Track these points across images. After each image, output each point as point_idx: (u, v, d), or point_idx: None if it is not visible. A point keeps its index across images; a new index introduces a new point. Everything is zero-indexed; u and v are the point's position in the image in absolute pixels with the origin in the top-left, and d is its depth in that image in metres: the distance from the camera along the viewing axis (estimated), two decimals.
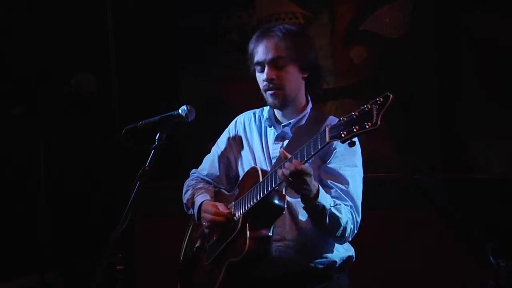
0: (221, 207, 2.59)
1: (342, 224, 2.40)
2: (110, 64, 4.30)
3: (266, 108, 2.70)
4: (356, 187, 2.49)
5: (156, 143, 2.48)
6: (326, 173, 2.49)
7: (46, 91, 2.94)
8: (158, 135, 2.50)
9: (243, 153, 2.71)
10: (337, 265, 2.54)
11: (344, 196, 2.46)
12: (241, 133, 2.76)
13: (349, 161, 2.49)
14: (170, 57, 4.52)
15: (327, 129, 2.20)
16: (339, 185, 2.46)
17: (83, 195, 4.27)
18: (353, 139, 2.14)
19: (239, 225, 2.48)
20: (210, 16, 4.54)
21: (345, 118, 2.15)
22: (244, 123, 2.77)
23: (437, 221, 3.86)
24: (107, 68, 4.28)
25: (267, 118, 2.66)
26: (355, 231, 2.49)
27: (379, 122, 2.03)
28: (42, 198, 3.00)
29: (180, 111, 2.56)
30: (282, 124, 2.62)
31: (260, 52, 2.53)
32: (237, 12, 4.49)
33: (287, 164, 2.30)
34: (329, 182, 2.48)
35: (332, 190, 2.47)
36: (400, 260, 3.87)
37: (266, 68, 2.52)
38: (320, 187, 2.37)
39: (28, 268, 3.65)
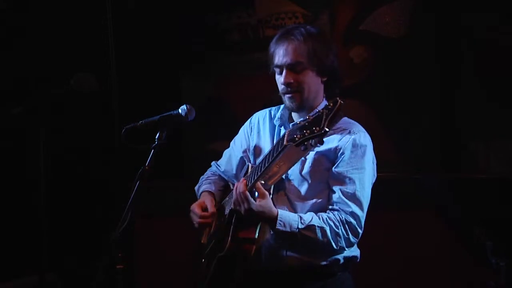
0: (209, 205, 2.67)
1: (320, 242, 2.40)
2: (110, 64, 4.30)
3: (282, 106, 2.69)
4: (364, 190, 2.47)
5: (156, 142, 2.48)
6: (332, 177, 2.48)
7: (46, 91, 2.93)
8: (158, 134, 2.50)
9: (255, 151, 2.72)
10: (340, 263, 2.53)
11: (347, 201, 2.44)
12: (254, 131, 2.77)
13: (356, 164, 2.47)
14: (170, 57, 4.52)
15: (286, 132, 2.23)
16: (344, 189, 2.45)
17: (83, 195, 4.27)
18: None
19: (226, 221, 2.54)
20: (210, 16, 4.54)
21: (301, 122, 2.17)
22: (259, 121, 2.77)
23: (437, 221, 3.87)
24: (107, 68, 4.28)
25: (279, 118, 2.66)
26: (356, 236, 2.46)
27: (325, 128, 2.07)
28: (42, 198, 2.99)
29: (180, 110, 2.55)
30: (292, 124, 2.59)
31: (280, 55, 2.51)
32: (237, 12, 4.48)
33: (238, 184, 2.39)
34: (333, 187, 2.47)
35: (334, 195, 2.46)
36: (400, 260, 3.86)
37: (284, 71, 2.51)
38: (281, 212, 2.39)
39: (28, 268, 3.65)
